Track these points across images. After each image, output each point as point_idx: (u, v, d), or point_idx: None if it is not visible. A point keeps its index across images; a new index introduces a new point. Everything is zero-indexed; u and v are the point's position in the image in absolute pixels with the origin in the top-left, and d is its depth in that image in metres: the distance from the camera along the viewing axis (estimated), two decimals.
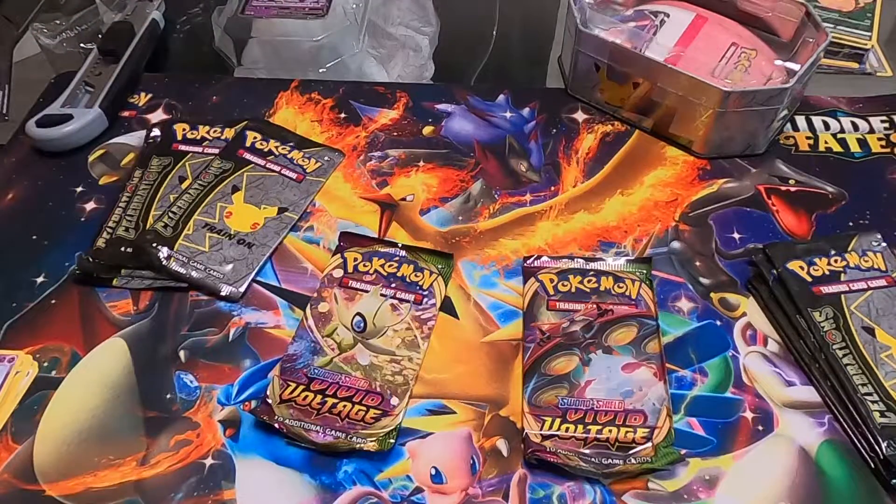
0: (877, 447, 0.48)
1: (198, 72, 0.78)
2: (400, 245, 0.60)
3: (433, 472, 0.49)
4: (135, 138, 0.70)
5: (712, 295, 0.58)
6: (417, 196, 0.65)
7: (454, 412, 0.52)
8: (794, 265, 0.57)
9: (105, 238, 0.61)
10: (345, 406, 0.51)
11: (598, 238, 0.62)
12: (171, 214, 0.61)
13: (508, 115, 0.72)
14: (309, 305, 0.56)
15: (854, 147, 0.69)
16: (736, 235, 0.62)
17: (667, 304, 0.57)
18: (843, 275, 0.56)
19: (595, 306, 0.56)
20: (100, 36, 0.77)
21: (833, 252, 0.58)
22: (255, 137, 0.68)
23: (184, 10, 0.87)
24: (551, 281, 0.57)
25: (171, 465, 0.49)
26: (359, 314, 0.56)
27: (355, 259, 0.59)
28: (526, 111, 0.72)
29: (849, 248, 0.58)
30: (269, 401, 0.51)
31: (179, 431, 0.50)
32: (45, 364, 0.54)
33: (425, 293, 0.57)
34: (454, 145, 0.69)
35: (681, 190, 0.65)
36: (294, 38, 0.75)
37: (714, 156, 0.68)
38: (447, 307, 0.57)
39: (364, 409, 0.51)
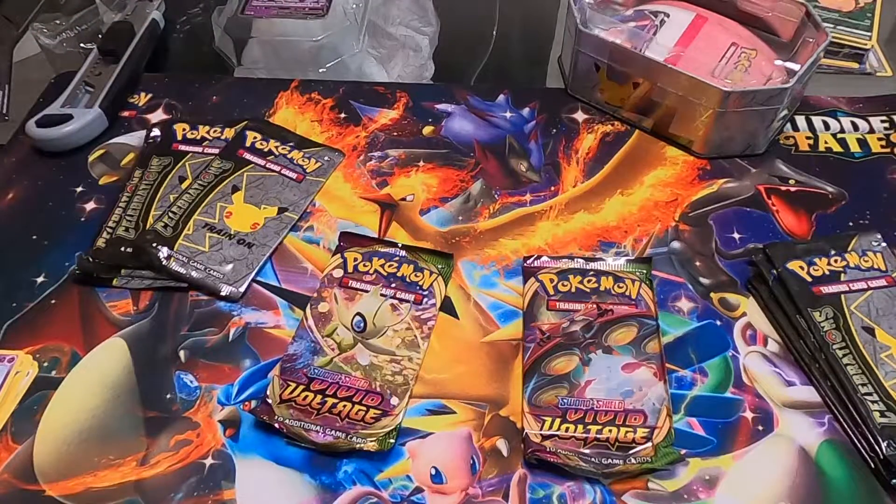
0: (877, 447, 0.48)
1: (198, 72, 0.78)
2: (400, 245, 0.60)
3: (433, 472, 0.49)
4: (135, 138, 0.70)
5: (712, 295, 0.58)
6: (417, 196, 0.65)
7: (454, 412, 0.52)
8: (794, 265, 0.57)
9: (105, 238, 0.61)
10: (345, 406, 0.51)
11: (598, 238, 0.62)
12: (171, 214, 0.61)
13: (508, 115, 0.72)
14: (309, 305, 0.56)
15: (854, 147, 0.69)
16: (736, 235, 0.62)
17: (667, 304, 0.57)
18: (843, 275, 0.56)
19: (595, 306, 0.56)
20: (100, 36, 0.77)
21: (833, 252, 0.58)
22: (255, 137, 0.68)
23: (184, 10, 0.87)
24: (551, 281, 0.57)
25: (171, 465, 0.49)
26: (359, 314, 0.56)
27: (355, 259, 0.59)
28: (526, 111, 0.72)
29: (849, 248, 0.58)
30: (269, 401, 0.51)
31: (179, 431, 0.50)
32: (45, 364, 0.54)
33: (425, 293, 0.57)
34: (454, 145, 0.69)
35: (681, 190, 0.65)
36: (294, 38, 0.75)
37: (714, 156, 0.68)
38: (447, 307, 0.57)
39: (364, 409, 0.51)
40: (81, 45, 0.80)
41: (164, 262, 0.58)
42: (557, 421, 0.50)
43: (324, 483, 0.48)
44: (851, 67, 0.78)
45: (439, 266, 0.59)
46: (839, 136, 0.70)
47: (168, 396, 0.52)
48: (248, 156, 0.66)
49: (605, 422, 0.50)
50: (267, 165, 0.66)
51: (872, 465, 0.48)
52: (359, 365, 0.53)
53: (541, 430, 0.50)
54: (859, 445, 0.49)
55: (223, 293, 0.57)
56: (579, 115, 0.72)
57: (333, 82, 0.75)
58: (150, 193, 0.63)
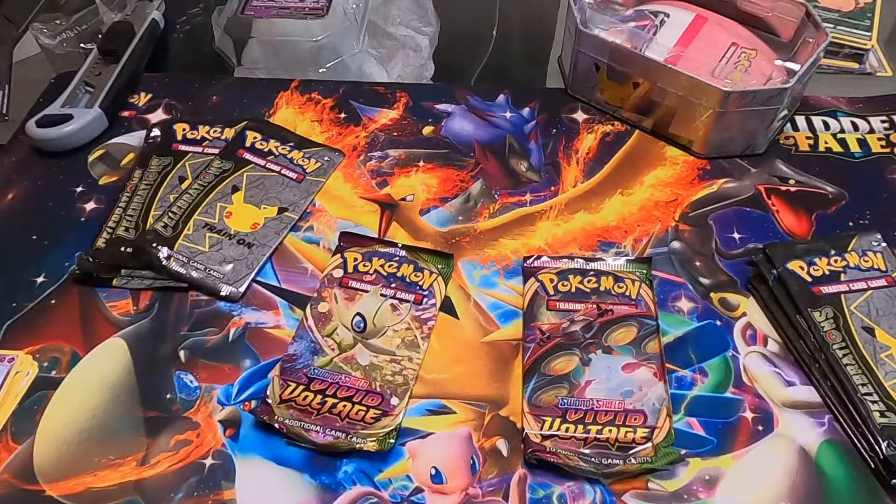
0: (877, 447, 0.48)
1: (198, 72, 0.78)
2: (400, 245, 0.60)
3: (433, 472, 0.49)
4: (135, 138, 0.70)
5: (712, 295, 0.58)
6: (417, 196, 0.65)
7: (454, 412, 0.52)
8: (794, 265, 0.57)
9: (105, 238, 0.61)
10: (345, 406, 0.51)
11: (598, 238, 0.62)
12: (171, 214, 0.61)
13: (508, 115, 0.72)
14: (309, 305, 0.56)
15: (854, 147, 0.69)
16: (736, 235, 0.62)
17: (667, 304, 0.57)
18: (843, 275, 0.56)
19: (595, 306, 0.56)
20: (100, 36, 0.77)
21: (833, 252, 0.58)
22: (255, 137, 0.68)
23: (184, 10, 0.87)
24: (551, 281, 0.57)
25: (171, 465, 0.49)
26: (359, 314, 0.56)
27: (355, 259, 0.59)
28: (526, 111, 0.72)
29: (849, 248, 0.58)
30: (269, 401, 0.51)
31: (179, 431, 0.50)
32: (45, 364, 0.54)
33: (425, 293, 0.57)
34: (454, 145, 0.69)
35: (681, 190, 0.65)
36: (294, 38, 0.75)
37: (714, 156, 0.68)
38: (447, 307, 0.57)
39: (364, 409, 0.51)
40: (81, 45, 0.80)
41: (164, 262, 0.58)
42: (557, 421, 0.50)
43: (324, 483, 0.48)
44: (851, 67, 0.78)
45: (439, 266, 0.59)
46: (839, 136, 0.70)
47: (168, 396, 0.52)
48: (248, 156, 0.66)
49: (605, 422, 0.50)
50: (267, 165, 0.66)
51: (872, 465, 0.48)
52: (359, 365, 0.53)
53: (541, 430, 0.50)
54: (859, 445, 0.49)
55: (223, 293, 0.57)
56: (579, 115, 0.72)
57: (333, 82, 0.75)
58: (150, 193, 0.63)
